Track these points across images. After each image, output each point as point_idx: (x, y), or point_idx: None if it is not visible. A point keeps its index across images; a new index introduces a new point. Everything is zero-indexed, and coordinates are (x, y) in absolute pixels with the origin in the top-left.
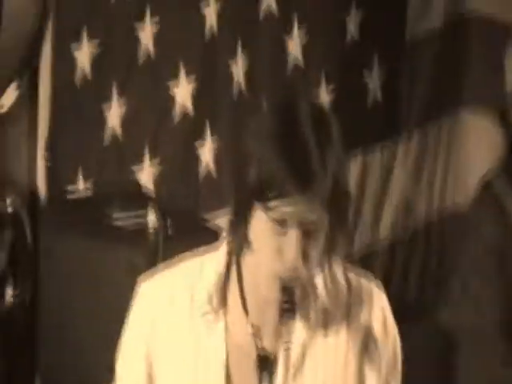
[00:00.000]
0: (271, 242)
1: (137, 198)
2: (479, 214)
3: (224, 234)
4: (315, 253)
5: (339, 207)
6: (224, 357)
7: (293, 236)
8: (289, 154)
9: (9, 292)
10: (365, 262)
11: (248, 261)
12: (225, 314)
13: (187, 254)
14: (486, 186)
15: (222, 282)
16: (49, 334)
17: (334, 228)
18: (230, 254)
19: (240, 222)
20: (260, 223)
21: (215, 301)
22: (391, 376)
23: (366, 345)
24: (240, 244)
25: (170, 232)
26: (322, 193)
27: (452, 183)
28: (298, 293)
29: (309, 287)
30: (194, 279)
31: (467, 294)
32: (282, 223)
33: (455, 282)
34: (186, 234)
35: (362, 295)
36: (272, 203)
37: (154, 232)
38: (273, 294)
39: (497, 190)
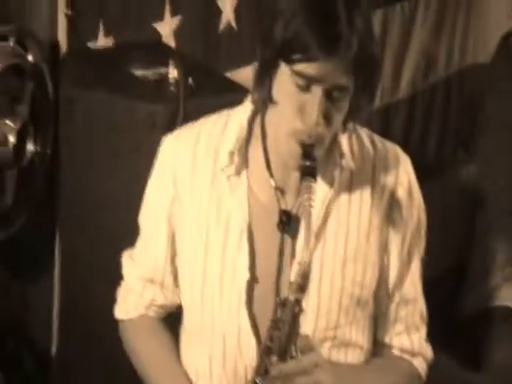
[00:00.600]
0: (294, 98)
1: (158, 53)
2: (499, 69)
3: (248, 96)
4: (339, 116)
5: (366, 71)
6: (247, 216)
7: (316, 95)
8: (316, 12)
9: (30, 147)
10: (384, 118)
11: (271, 119)
12: (247, 173)
13: (212, 115)
14: (507, 43)
15: (245, 139)
16: (69, 191)
17: (360, 92)
18: (254, 111)
19: (264, 80)
20: (284, 82)
21: (237, 159)
22: (414, 245)
23: (391, 210)
24: (264, 101)
25: (191, 86)
26: (348, 55)
27: (472, 40)
28: (320, 152)
29: (333, 148)
30: (218, 137)
31: (487, 152)
32: (306, 85)
33: (476, 138)
34: (207, 89)
35: (387, 159)
36: (298, 65)
37: (175, 85)
38: (292, 152)
39: None
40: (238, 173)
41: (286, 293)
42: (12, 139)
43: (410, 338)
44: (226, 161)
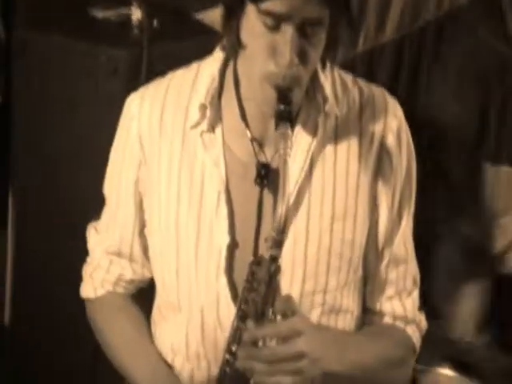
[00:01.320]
0: (264, 40)
1: None
2: (476, 13)
3: (218, 44)
4: (315, 53)
5: (342, 1)
6: (224, 175)
7: (287, 33)
8: None
9: None
10: (369, 61)
11: (243, 65)
12: (222, 126)
13: (180, 69)
14: None
15: (217, 91)
16: (22, 144)
17: (336, 24)
18: (225, 60)
19: (231, 23)
20: (252, 23)
21: (210, 112)
22: (405, 198)
23: (380, 160)
24: (234, 47)
25: (156, 29)
26: None
27: None
28: (298, 95)
29: (315, 92)
30: (188, 93)
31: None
32: (275, 24)
33: (449, 77)
34: (174, 33)
35: (374, 103)
36: (264, 3)
37: (139, 27)
38: (267, 98)
39: None
40: (211, 128)
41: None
42: None
43: (402, 303)
44: (198, 116)
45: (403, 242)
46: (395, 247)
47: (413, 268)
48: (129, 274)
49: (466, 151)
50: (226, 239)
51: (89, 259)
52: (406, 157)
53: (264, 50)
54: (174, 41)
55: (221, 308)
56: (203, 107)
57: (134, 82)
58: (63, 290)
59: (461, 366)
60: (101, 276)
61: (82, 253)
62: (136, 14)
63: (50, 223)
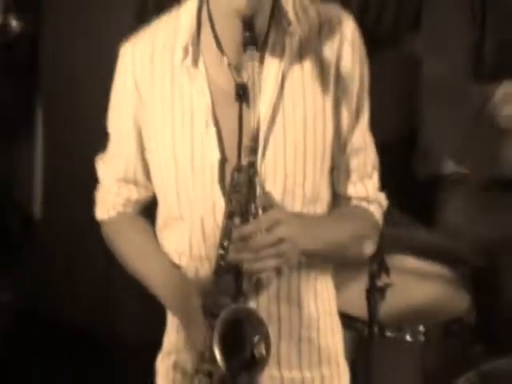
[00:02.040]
0: None
1: None
2: None
3: None
4: None
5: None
6: (209, 100)
7: None
8: None
9: (13, 21)
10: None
11: (213, 4)
12: (203, 60)
13: (162, 16)
14: None
15: (196, 30)
16: (49, 64)
17: None
18: (199, 1)
19: None
20: None
21: (191, 49)
22: (361, 98)
23: (339, 67)
24: None
25: None
26: None
27: None
28: (262, 20)
29: (281, 18)
30: (172, 35)
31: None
32: None
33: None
34: None
35: (331, 19)
36: None
37: None
38: (236, 28)
39: None
40: (195, 62)
41: (242, 159)
42: None
43: (364, 185)
44: (181, 54)
45: (362, 135)
46: (354, 140)
47: (371, 154)
48: (135, 196)
49: None
50: (216, 155)
51: (99, 186)
52: (359, 62)
53: None
54: None
55: (217, 214)
56: (185, 48)
57: (143, 17)
58: (89, 193)
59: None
60: (111, 200)
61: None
62: None
63: (77, 127)
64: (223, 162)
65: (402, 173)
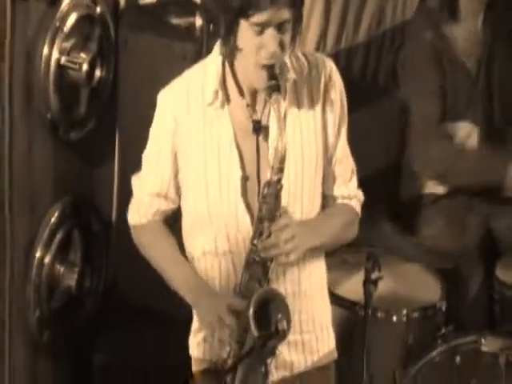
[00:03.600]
0: (255, 41)
1: (188, 7)
2: (419, 22)
3: (215, 49)
4: (287, 39)
5: (298, 3)
6: (232, 133)
7: (270, 33)
8: None
9: (98, 72)
10: (347, 57)
11: (239, 60)
12: (228, 102)
13: (192, 68)
14: (423, 2)
15: (222, 79)
16: (124, 104)
17: (296, 19)
18: (223, 58)
19: (230, 37)
20: (245, 32)
21: (221, 94)
22: (342, 120)
23: (325, 99)
24: (232, 51)
25: (211, 30)
26: None
27: (403, 5)
28: (278, 70)
29: (284, 67)
30: (201, 81)
31: (411, 79)
32: (262, 26)
33: (405, 65)
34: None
35: (318, 64)
36: (253, 18)
37: (200, 30)
38: (260, 78)
39: (430, 6)
40: (222, 106)
41: (269, 175)
42: (85, 67)
43: (346, 187)
44: (212, 97)
45: (342, 147)
46: (338, 153)
47: (350, 162)
48: (163, 207)
49: None
50: (239, 173)
51: (133, 199)
52: (339, 94)
53: (255, 48)
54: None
55: (239, 220)
56: (216, 91)
57: None
58: None
59: None
60: (144, 210)
61: None
62: (198, 21)
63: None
64: (244, 179)
65: (391, 195)
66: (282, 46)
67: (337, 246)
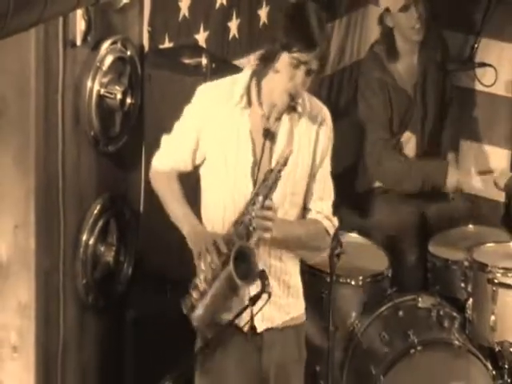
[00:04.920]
0: (289, 71)
1: (196, 50)
2: (368, 65)
3: (246, 67)
4: (309, 82)
5: (324, 60)
6: (248, 127)
7: (302, 71)
8: (306, 28)
9: (128, 100)
10: (331, 81)
11: (268, 80)
12: (250, 106)
13: (227, 78)
14: (372, 49)
15: (248, 87)
16: (148, 125)
17: (321, 68)
18: (252, 75)
19: (271, 59)
20: (284, 61)
21: (245, 98)
22: (327, 151)
23: (318, 134)
24: (267, 69)
25: (213, 67)
26: (321, 50)
27: (358, 48)
28: (297, 101)
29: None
30: (231, 86)
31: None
32: (297, 65)
33: (359, 97)
34: (223, 70)
35: (315, 108)
36: (294, 54)
37: (206, 68)
38: (284, 100)
39: (377, 51)
40: (245, 107)
41: (273, 166)
42: (119, 96)
43: (322, 203)
44: (238, 99)
45: (324, 172)
46: (319, 175)
47: (329, 184)
48: (181, 168)
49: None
50: (251, 158)
51: (160, 151)
52: (330, 133)
53: (288, 76)
54: (222, 75)
55: (245, 191)
56: (242, 95)
57: None
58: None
59: None
60: (166, 161)
61: None
62: (204, 61)
63: None
64: (254, 164)
65: (349, 187)
66: (304, 84)
67: (304, 249)
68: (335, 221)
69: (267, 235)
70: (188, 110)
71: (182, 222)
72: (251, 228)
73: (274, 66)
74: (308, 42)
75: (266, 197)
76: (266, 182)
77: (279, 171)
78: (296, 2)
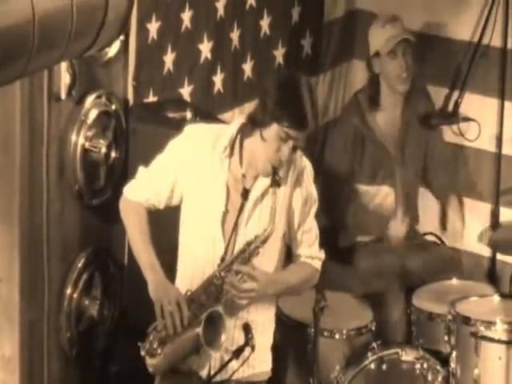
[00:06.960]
0: (277, 143)
1: (181, 105)
2: (351, 112)
3: (235, 121)
4: (293, 158)
5: (314, 139)
6: (225, 181)
7: (289, 145)
8: (297, 110)
9: (113, 154)
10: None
11: (252, 142)
12: (230, 158)
13: (217, 125)
14: (355, 95)
15: (233, 141)
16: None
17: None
18: (238, 132)
19: (258, 123)
20: (273, 131)
21: (228, 150)
22: (312, 203)
23: (301, 184)
24: (251, 129)
25: (197, 120)
26: (309, 131)
27: (342, 102)
28: (279, 174)
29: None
30: (216, 138)
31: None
32: (285, 139)
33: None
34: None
35: (299, 165)
36: (285, 128)
37: (190, 121)
38: (266, 170)
39: (360, 99)
40: (226, 158)
41: (253, 239)
42: (104, 150)
43: (310, 249)
44: (222, 149)
45: (310, 222)
46: (306, 225)
47: (315, 231)
48: (155, 205)
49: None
50: (222, 208)
51: (135, 181)
52: (312, 181)
53: (274, 147)
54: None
55: (216, 246)
56: (225, 147)
57: None
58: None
59: None
60: (139, 194)
61: None
62: (188, 114)
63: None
64: (225, 214)
65: (334, 242)
66: (289, 157)
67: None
68: (322, 254)
69: (244, 302)
70: (172, 146)
71: (146, 268)
72: (223, 291)
73: (261, 131)
74: (300, 121)
75: (243, 263)
76: (243, 254)
77: (257, 248)
78: (288, 74)
